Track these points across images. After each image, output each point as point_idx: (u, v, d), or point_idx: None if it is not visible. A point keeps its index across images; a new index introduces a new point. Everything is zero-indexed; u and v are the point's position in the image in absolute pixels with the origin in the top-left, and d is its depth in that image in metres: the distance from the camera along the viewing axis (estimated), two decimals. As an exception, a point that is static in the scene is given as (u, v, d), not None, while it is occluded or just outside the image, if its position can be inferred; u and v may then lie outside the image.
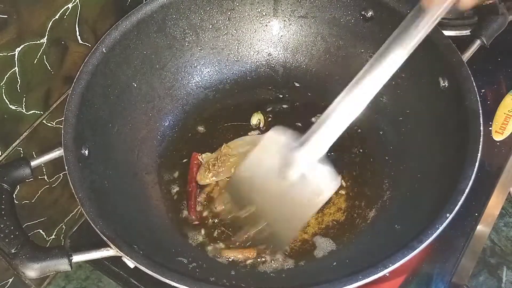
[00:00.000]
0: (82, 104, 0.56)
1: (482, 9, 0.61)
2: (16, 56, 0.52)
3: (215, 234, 0.60)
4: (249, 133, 0.68)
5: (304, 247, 0.59)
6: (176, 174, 0.64)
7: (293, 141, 0.53)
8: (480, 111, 0.54)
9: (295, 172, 0.52)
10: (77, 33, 0.59)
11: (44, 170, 0.62)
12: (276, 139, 0.54)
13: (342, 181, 0.63)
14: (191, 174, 0.64)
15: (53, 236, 0.68)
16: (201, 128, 0.68)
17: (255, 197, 0.57)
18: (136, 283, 0.61)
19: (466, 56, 0.58)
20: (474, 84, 0.56)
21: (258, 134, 0.67)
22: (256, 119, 0.69)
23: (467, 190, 0.49)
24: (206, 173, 0.63)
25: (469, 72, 0.56)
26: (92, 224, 0.48)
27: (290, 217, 0.55)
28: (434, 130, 0.60)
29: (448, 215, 0.48)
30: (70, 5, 0.56)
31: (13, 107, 0.55)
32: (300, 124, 0.67)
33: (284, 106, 0.70)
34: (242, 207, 0.58)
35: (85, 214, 0.49)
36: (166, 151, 0.66)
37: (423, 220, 0.50)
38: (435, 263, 0.61)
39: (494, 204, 0.61)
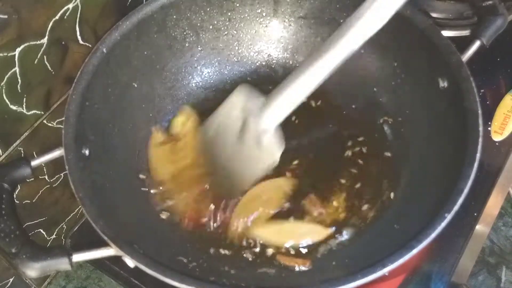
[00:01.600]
0: (83, 104, 0.56)
1: (482, 10, 0.61)
2: (16, 56, 0.52)
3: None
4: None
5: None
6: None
7: (256, 104, 0.56)
8: (480, 111, 0.54)
9: (252, 135, 0.55)
10: (78, 33, 0.59)
11: (44, 170, 0.62)
12: (240, 99, 0.57)
13: (343, 180, 0.63)
14: None
15: (53, 236, 0.69)
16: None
17: (215, 153, 0.60)
18: (136, 282, 0.62)
19: (465, 56, 0.58)
20: (474, 84, 0.56)
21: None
22: None
23: (466, 190, 0.49)
24: None
25: (469, 72, 0.56)
26: (93, 224, 0.48)
27: (241, 174, 0.59)
28: (433, 130, 0.60)
29: (447, 215, 0.48)
30: (70, 6, 0.56)
31: (14, 107, 0.55)
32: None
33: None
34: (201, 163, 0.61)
35: (85, 214, 0.49)
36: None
37: (422, 220, 0.50)
38: (435, 263, 0.61)
39: (493, 204, 0.61)
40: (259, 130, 0.55)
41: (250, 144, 0.56)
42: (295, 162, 0.65)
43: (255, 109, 0.55)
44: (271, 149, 0.55)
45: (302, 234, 0.58)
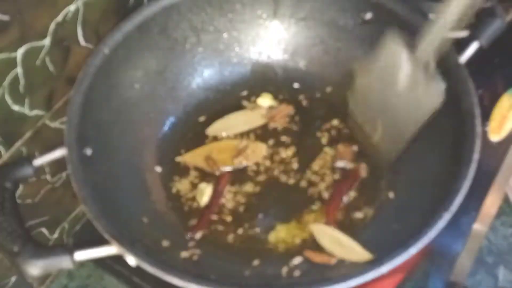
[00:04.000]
0: (85, 104, 0.56)
1: (480, 11, 0.61)
2: (18, 57, 0.52)
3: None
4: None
5: (303, 247, 0.59)
6: (177, 174, 0.65)
7: (407, 47, 0.53)
8: (478, 113, 0.54)
9: (408, 79, 0.53)
10: (80, 34, 0.59)
11: (46, 170, 0.62)
12: (393, 47, 0.55)
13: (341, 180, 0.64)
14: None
15: (56, 235, 0.69)
16: (202, 129, 0.69)
17: (372, 105, 0.58)
18: (138, 281, 0.62)
19: (464, 58, 0.58)
20: (473, 86, 0.56)
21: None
22: (266, 101, 0.69)
23: (464, 190, 0.50)
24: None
25: (467, 74, 0.57)
26: (94, 223, 0.49)
27: (400, 127, 0.57)
28: (431, 130, 0.60)
29: (445, 214, 0.49)
30: (72, 7, 0.56)
31: (16, 108, 0.55)
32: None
33: (284, 106, 0.70)
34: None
35: (87, 213, 0.50)
36: (168, 152, 0.66)
37: (420, 219, 0.50)
38: (433, 262, 0.61)
39: (491, 204, 0.62)
40: (419, 64, 0.52)
41: (410, 84, 0.53)
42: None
43: (408, 52, 0.52)
44: (434, 83, 0.52)
45: (345, 249, 0.56)
